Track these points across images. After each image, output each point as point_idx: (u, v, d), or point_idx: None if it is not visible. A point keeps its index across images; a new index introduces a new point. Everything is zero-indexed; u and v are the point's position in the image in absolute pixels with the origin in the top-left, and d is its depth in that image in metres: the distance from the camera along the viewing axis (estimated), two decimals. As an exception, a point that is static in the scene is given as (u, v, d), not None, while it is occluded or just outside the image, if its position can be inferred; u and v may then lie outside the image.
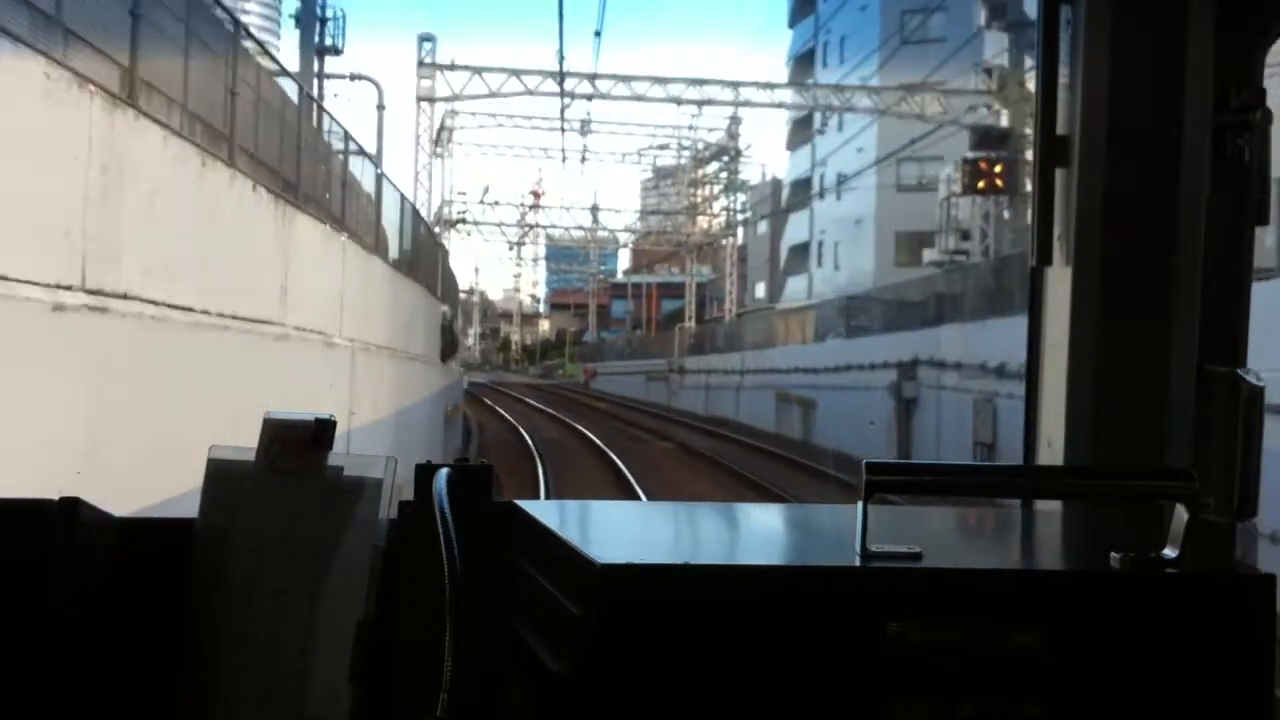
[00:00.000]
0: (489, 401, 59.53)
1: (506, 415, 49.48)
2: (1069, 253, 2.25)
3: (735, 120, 76.13)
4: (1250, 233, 2.13)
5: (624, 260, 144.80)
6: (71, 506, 1.74)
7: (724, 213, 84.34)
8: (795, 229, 72.30)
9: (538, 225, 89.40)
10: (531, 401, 62.99)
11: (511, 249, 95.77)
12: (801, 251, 70.91)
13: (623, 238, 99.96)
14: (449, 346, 36.19)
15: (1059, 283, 2.28)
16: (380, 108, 43.68)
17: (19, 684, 1.70)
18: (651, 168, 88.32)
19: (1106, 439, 2.19)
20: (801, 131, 71.03)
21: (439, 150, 67.69)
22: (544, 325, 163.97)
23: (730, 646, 1.45)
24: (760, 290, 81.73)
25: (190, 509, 1.84)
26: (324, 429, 1.82)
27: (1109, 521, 2.01)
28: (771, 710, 1.46)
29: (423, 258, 33.14)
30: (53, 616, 1.72)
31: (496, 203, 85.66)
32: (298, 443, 1.81)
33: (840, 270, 61.47)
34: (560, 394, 78.11)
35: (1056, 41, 2.27)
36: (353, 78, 41.73)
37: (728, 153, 79.77)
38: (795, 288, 70.40)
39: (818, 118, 63.85)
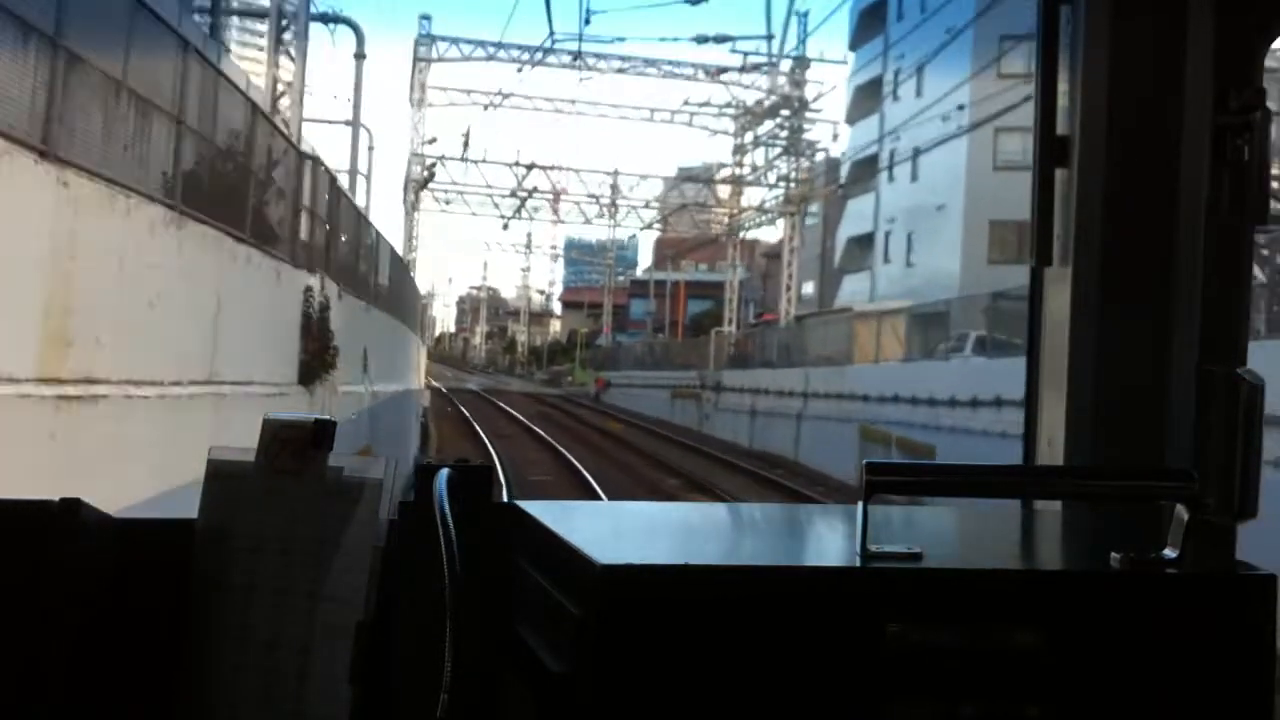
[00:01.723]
0: (471, 417, 48.84)
1: (485, 440, 38.56)
2: (1069, 253, 2.25)
3: (800, 63, 57.68)
4: (1250, 233, 2.14)
5: (644, 258, 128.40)
6: (72, 507, 1.74)
7: (783, 183, 62.81)
8: (855, 218, 59.21)
9: (535, 191, 67.26)
10: (525, 419, 50.73)
11: (506, 226, 73.86)
12: (863, 245, 58.38)
13: (646, 215, 75.85)
14: (317, 359, 20.63)
15: (1059, 283, 2.28)
16: (359, 56, 39.23)
17: (19, 684, 1.70)
18: (690, 112, 63.11)
19: (1106, 439, 2.20)
20: (866, 100, 57.21)
21: (414, 96, 59.09)
22: (555, 325, 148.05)
23: (730, 647, 1.45)
24: (809, 291, 65.93)
25: (190, 509, 1.84)
26: (324, 429, 1.82)
27: (1109, 521, 2.01)
28: (771, 710, 1.46)
29: (267, 184, 19.32)
30: (53, 617, 1.72)
31: (484, 159, 65.21)
32: (298, 443, 1.81)
33: (914, 268, 50.00)
34: (564, 409, 65.16)
35: (1056, 41, 2.27)
36: (326, 20, 35.99)
37: (790, 105, 59.37)
38: (853, 289, 57.56)
39: (889, 79, 51.74)
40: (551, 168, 67.30)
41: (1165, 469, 2.05)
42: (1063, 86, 2.27)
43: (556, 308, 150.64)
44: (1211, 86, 2.13)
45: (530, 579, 1.71)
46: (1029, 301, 2.38)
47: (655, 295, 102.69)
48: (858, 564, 1.55)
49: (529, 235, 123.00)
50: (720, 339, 61.45)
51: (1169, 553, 1.59)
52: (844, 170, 60.97)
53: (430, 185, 64.21)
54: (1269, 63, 2.18)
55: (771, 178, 64.62)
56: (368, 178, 52.39)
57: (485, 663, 1.70)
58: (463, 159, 64.81)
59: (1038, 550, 2.10)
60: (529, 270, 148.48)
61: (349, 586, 1.75)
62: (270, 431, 1.83)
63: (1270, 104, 2.10)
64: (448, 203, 68.15)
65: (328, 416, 1.85)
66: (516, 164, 66.24)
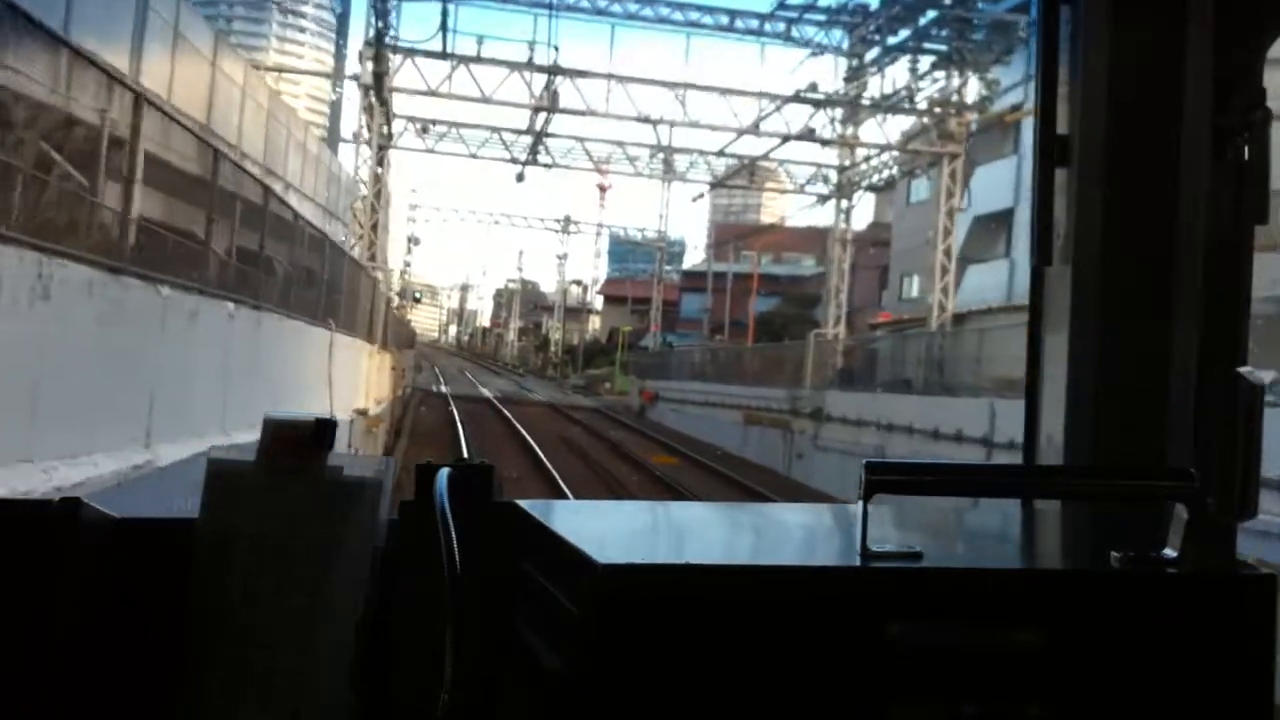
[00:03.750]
0: (466, 443, 37.70)
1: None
2: (1069, 253, 2.26)
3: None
4: (1250, 233, 2.15)
5: (689, 256, 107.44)
6: (72, 507, 1.74)
7: (940, 110, 40.41)
8: (985, 191, 44.69)
9: (557, 109, 41.56)
10: (539, 447, 36.32)
11: (521, 177, 49.00)
12: (995, 226, 46.06)
13: (718, 170, 51.74)
14: None
15: (1059, 283, 2.29)
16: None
17: (18, 684, 1.70)
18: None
19: (1106, 439, 2.21)
20: (1003, 39, 39.12)
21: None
22: (594, 322, 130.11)
23: (730, 646, 1.46)
24: (914, 288, 50.13)
25: (190, 509, 1.85)
26: (324, 429, 1.82)
27: (1109, 521, 2.01)
28: (771, 710, 1.46)
29: None
30: (52, 617, 1.72)
31: (477, 57, 39.74)
32: (298, 442, 1.81)
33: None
34: (596, 430, 47.92)
35: (1056, 41, 2.28)
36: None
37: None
38: (980, 283, 44.50)
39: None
40: (583, 74, 41.18)
41: (1165, 469, 2.06)
42: (1063, 86, 2.28)
43: (598, 302, 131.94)
44: (1211, 86, 2.14)
45: (530, 579, 1.71)
46: (1029, 301, 2.39)
47: (714, 290, 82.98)
48: (858, 564, 1.55)
49: (566, 218, 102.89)
50: (822, 346, 42.94)
51: (1169, 552, 1.59)
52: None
53: (392, 95, 41.80)
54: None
55: (892, 118, 42.14)
56: (368, 142, 42.12)
57: (485, 663, 1.70)
58: (444, 55, 40.09)
59: (1038, 550, 2.10)
60: (565, 258, 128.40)
61: (349, 586, 1.75)
62: (270, 431, 1.83)
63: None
64: (424, 131, 47.56)
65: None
66: (530, 67, 40.54)
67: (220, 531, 1.81)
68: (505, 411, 52.83)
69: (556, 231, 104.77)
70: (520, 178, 50.12)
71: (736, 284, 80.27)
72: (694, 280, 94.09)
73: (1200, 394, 2.10)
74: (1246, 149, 2.11)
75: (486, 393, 71.76)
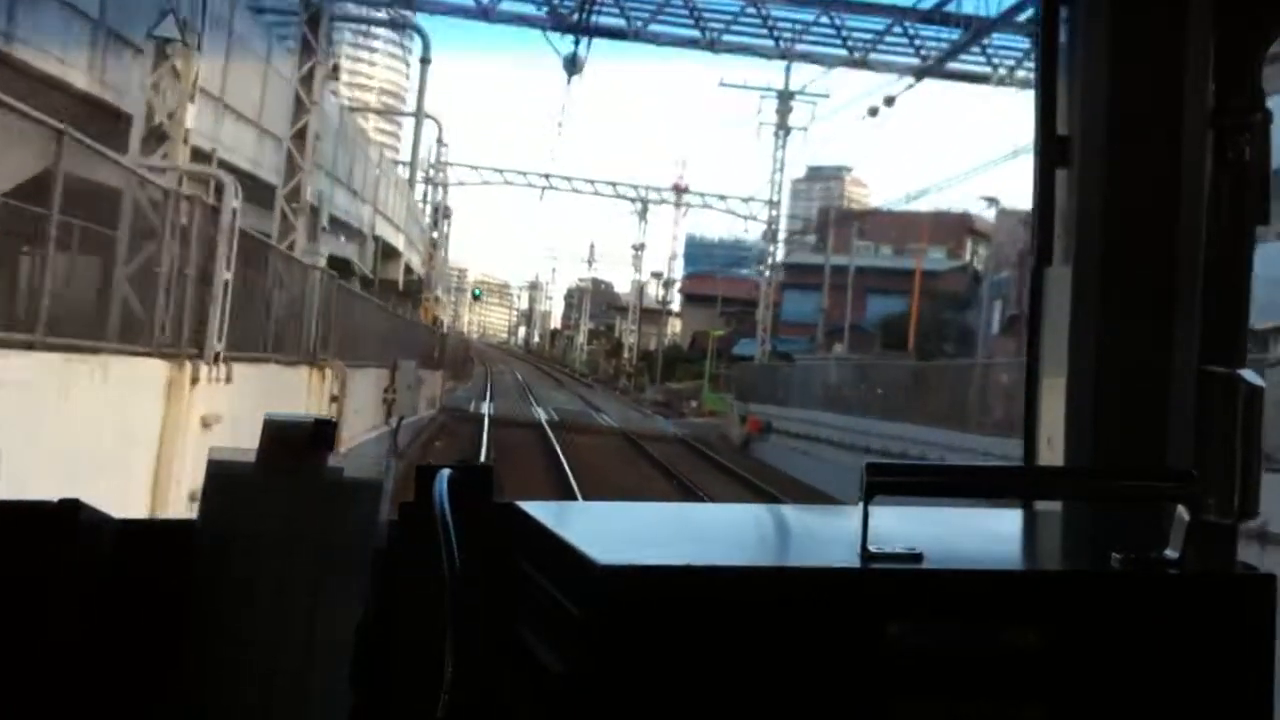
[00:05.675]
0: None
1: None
2: (1069, 253, 2.26)
3: None
4: (1250, 233, 2.14)
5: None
6: (72, 508, 1.75)
7: None
8: None
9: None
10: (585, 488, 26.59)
11: (573, 65, 31.87)
12: None
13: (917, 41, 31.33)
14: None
15: (1059, 283, 2.29)
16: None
17: (18, 685, 1.71)
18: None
19: (1106, 439, 2.21)
20: None
21: None
22: (675, 325, 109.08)
23: (730, 647, 1.46)
24: None
25: (189, 510, 1.86)
26: (324, 429, 1.83)
27: (1109, 521, 2.01)
28: (772, 711, 1.46)
29: None
30: (52, 618, 1.73)
31: None
32: (297, 443, 1.82)
33: None
34: (688, 481, 32.75)
35: (1056, 41, 2.29)
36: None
37: None
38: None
39: None
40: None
41: (1165, 469, 2.06)
42: (1063, 86, 2.28)
43: (676, 303, 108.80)
44: (1211, 86, 2.14)
45: (530, 579, 1.72)
46: (1030, 301, 2.39)
47: (833, 286, 63.61)
48: (858, 564, 1.55)
49: (643, 192, 78.71)
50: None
51: (1169, 553, 1.59)
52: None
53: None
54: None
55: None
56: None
57: (485, 663, 1.70)
58: None
59: (1038, 550, 2.10)
60: (642, 249, 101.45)
61: (349, 587, 1.76)
62: (270, 432, 1.83)
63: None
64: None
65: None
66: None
67: (220, 532, 1.81)
68: (558, 446, 37.10)
69: (631, 200, 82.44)
70: (572, 64, 32.37)
71: (917, 276, 61.87)
72: (799, 275, 72.52)
73: (1200, 394, 2.10)
74: (1246, 149, 2.11)
75: (539, 414, 54.96)
